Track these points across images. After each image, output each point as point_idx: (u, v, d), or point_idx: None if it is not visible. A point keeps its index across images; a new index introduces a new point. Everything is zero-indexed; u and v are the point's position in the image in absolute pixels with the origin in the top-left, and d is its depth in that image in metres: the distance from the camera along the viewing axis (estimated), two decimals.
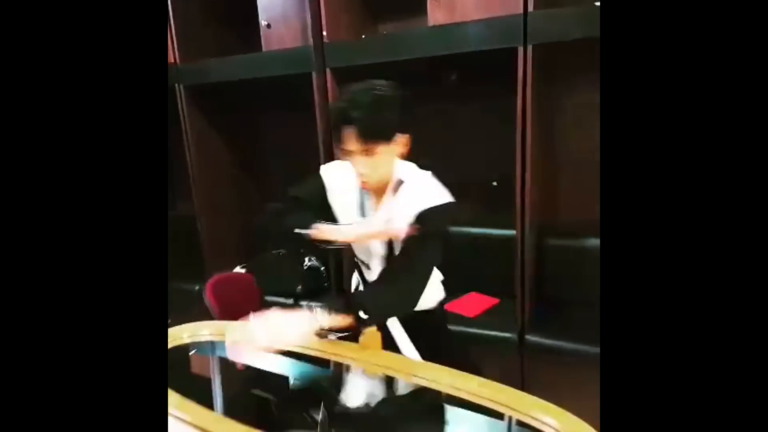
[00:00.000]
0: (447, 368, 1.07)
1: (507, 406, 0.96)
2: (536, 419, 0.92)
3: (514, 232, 1.84)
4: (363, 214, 1.28)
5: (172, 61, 2.40)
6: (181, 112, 2.45)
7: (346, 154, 1.15)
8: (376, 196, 1.27)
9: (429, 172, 1.25)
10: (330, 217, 1.30)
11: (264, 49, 2.23)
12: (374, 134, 1.10)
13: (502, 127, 1.92)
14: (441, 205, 1.16)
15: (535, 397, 0.96)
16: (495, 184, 2.18)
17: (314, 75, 2.03)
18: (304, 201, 1.29)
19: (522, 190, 1.78)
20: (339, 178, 1.32)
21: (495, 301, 2.06)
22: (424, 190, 1.19)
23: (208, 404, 1.81)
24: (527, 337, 1.82)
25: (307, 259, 2.32)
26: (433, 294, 1.37)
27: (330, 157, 1.94)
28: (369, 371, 1.21)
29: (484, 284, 2.15)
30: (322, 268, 2.36)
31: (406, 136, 1.17)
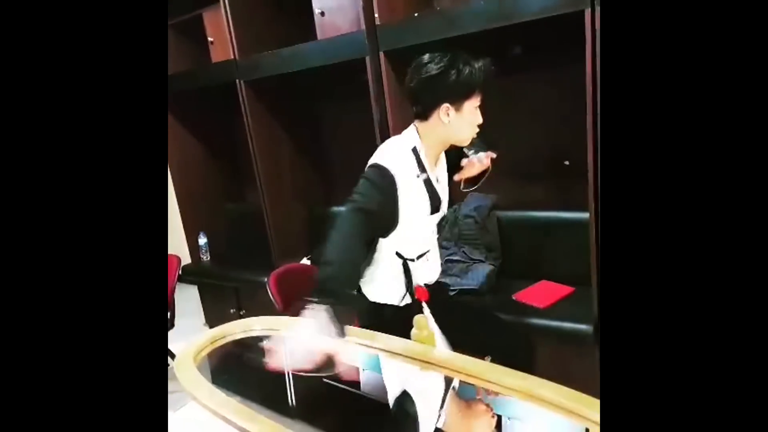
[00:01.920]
0: (509, 369, 0.99)
1: (575, 413, 0.87)
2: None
3: (587, 215, 1.69)
4: (432, 196, 1.33)
5: (232, 57, 2.43)
6: (243, 107, 2.49)
7: (471, 114, 1.31)
8: (433, 160, 1.37)
9: None
10: (393, 219, 1.29)
11: (319, 37, 2.20)
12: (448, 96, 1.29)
13: (573, 101, 1.76)
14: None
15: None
16: (567, 163, 2.03)
17: (368, 59, 1.97)
18: (374, 215, 1.22)
19: (595, 168, 1.62)
20: (401, 167, 1.30)
21: (569, 289, 1.92)
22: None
23: (283, 395, 1.83)
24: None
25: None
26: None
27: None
28: (423, 369, 1.15)
29: (556, 272, 2.01)
30: None
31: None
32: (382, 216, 1.24)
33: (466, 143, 1.35)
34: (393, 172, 1.26)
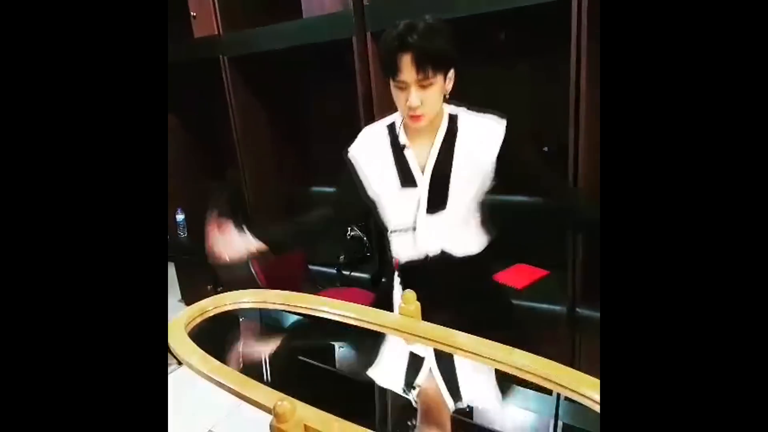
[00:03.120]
0: (492, 342, 1.02)
1: (557, 383, 0.91)
2: (586, 397, 0.86)
3: None
4: (402, 169, 1.28)
5: (215, 33, 2.40)
6: (225, 83, 2.46)
7: (400, 88, 1.13)
8: (420, 140, 1.26)
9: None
10: (363, 196, 1.33)
11: (304, 15, 2.18)
12: (431, 61, 1.08)
13: (555, 88, 1.80)
14: (510, 126, 1.23)
15: (585, 375, 0.89)
16: (546, 149, 2.07)
17: (354, 39, 1.97)
18: (342, 203, 1.40)
19: (575, 155, 1.67)
20: (367, 146, 1.32)
21: (544, 272, 1.98)
22: (487, 118, 1.25)
23: (258, 370, 1.85)
24: (578, 310, 1.74)
25: (349, 228, 2.30)
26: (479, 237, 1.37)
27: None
28: (409, 341, 1.18)
29: (533, 255, 2.06)
30: (365, 238, 2.34)
31: (453, 71, 1.17)
32: (349, 200, 1.36)
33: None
34: (352, 153, 1.32)
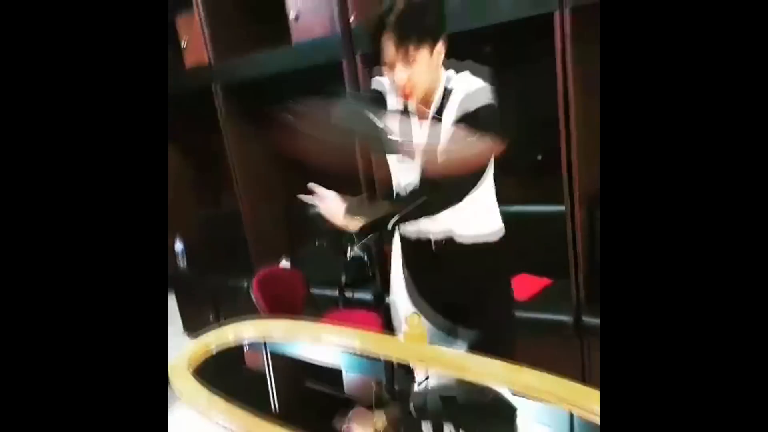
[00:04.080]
0: (500, 362, 0.98)
1: (570, 403, 0.89)
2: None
3: (563, 207, 1.75)
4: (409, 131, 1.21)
5: (206, 61, 2.42)
6: (218, 110, 2.48)
7: (387, 68, 1.13)
8: (421, 115, 1.21)
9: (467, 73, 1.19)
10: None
11: (294, 41, 2.21)
12: (412, 36, 1.07)
13: (544, 99, 1.82)
14: (485, 106, 1.12)
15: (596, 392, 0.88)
16: (540, 158, 2.08)
17: (344, 62, 1.99)
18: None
19: (568, 162, 1.68)
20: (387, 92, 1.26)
21: (547, 281, 1.97)
22: (473, 91, 1.14)
23: (265, 399, 1.82)
24: (584, 319, 1.73)
25: (349, 248, 2.30)
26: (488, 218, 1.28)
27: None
28: (418, 366, 1.16)
29: (535, 265, 2.06)
30: (365, 258, 2.34)
31: (442, 43, 1.13)
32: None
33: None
34: (379, 82, 1.28)
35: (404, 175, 1.25)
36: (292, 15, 2.17)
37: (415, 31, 1.08)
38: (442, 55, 1.16)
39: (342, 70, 2.00)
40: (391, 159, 1.27)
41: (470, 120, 1.10)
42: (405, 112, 1.24)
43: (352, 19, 1.94)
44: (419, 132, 1.21)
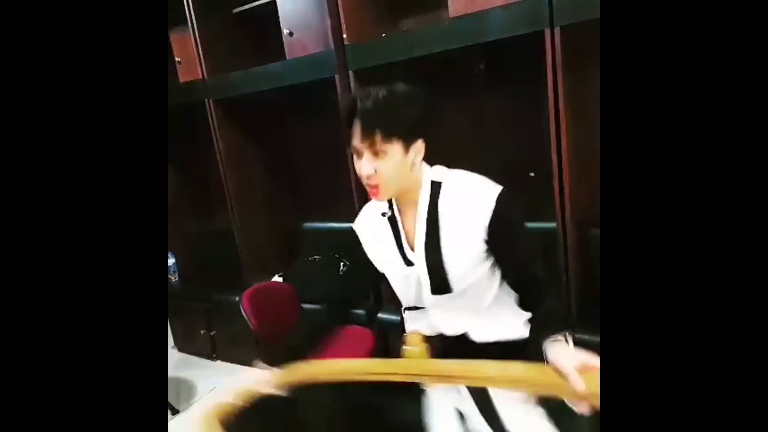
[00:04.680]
0: (513, 362, 0.93)
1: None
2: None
3: (554, 224, 1.75)
4: (399, 242, 1.16)
5: (199, 77, 2.43)
6: (212, 126, 2.48)
7: (355, 154, 1.05)
8: (407, 214, 1.15)
9: (461, 170, 1.14)
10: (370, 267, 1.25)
11: (288, 57, 2.22)
12: (379, 127, 0.99)
13: (536, 116, 1.83)
14: (505, 198, 1.07)
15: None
16: (532, 174, 2.09)
17: (337, 78, 2.00)
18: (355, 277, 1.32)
19: (560, 179, 1.69)
20: (368, 220, 1.24)
21: None
22: (476, 187, 1.09)
23: None
24: (576, 335, 1.72)
25: (342, 265, 2.29)
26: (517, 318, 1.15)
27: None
28: (425, 384, 1.10)
29: None
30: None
31: (422, 142, 1.06)
32: (356, 269, 1.30)
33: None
34: (355, 227, 1.27)
35: (409, 286, 1.17)
36: (285, 31, 2.19)
37: (385, 122, 1.00)
38: (422, 155, 1.08)
39: (335, 85, 2.02)
40: (393, 269, 1.20)
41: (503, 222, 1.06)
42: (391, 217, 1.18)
43: (345, 36, 1.95)
44: (412, 233, 1.13)
